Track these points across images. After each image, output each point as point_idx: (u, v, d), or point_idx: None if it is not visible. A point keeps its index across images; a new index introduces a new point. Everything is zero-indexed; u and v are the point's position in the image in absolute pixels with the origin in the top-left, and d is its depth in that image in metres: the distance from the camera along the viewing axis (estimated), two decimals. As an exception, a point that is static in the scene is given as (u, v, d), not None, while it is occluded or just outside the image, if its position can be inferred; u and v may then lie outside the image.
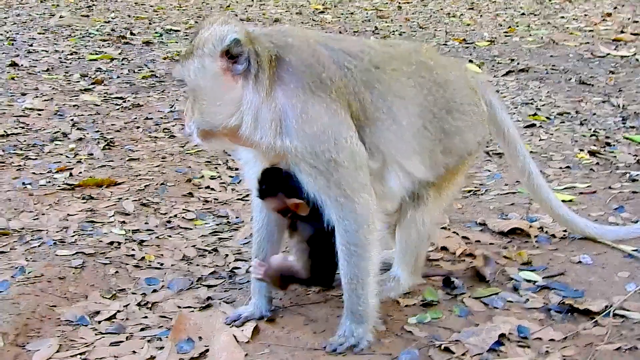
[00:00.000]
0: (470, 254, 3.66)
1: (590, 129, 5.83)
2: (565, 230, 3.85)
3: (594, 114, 6.35)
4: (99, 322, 3.09)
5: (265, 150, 2.75)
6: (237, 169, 5.13)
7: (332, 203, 2.75)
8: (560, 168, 4.91)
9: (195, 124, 2.77)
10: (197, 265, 3.67)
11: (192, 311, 3.15)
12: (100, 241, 3.89)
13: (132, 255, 3.75)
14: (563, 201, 3.91)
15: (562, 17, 12.25)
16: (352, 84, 2.83)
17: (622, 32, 10.25)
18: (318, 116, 2.70)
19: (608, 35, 10.16)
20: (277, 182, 2.84)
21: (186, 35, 10.99)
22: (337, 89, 2.77)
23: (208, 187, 4.76)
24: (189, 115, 2.80)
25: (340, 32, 11.48)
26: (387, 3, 15.48)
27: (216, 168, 5.11)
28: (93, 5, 14.62)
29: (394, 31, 11.40)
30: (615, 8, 12.83)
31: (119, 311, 3.18)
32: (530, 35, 10.66)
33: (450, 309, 3.12)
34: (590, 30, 10.73)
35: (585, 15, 12.39)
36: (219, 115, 2.72)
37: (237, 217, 4.30)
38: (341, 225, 2.77)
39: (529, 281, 3.34)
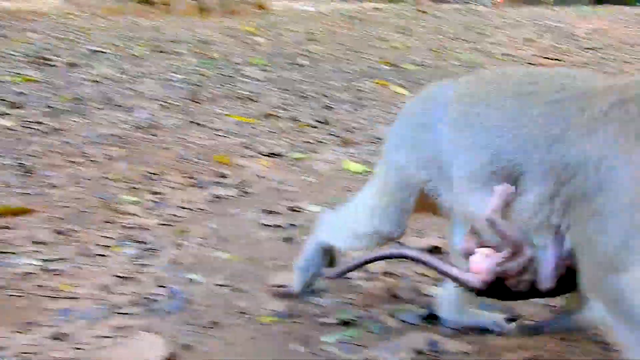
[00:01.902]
0: (387, 272, 3.74)
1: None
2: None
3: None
4: (8, 358, 2.96)
5: None
6: (158, 194, 5.08)
7: None
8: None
9: None
10: (115, 293, 3.59)
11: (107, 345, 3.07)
12: (15, 273, 3.74)
13: (47, 286, 3.63)
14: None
15: (490, 43, 12.73)
16: None
17: (544, 57, 10.75)
18: None
19: (531, 60, 10.63)
20: None
21: (116, 57, 10.78)
22: None
23: (128, 212, 4.69)
24: None
25: (272, 55, 11.55)
26: (319, 27, 15.70)
27: (136, 192, 5.04)
28: (13, 24, 14.16)
29: (324, 54, 11.56)
30: (537, 34, 13.43)
31: (30, 345, 3.07)
32: (458, 59, 11.03)
33: (368, 327, 3.18)
34: (513, 56, 11.19)
35: (510, 40, 12.92)
36: None
37: (157, 243, 4.25)
38: None
39: (443, 297, 3.44)
